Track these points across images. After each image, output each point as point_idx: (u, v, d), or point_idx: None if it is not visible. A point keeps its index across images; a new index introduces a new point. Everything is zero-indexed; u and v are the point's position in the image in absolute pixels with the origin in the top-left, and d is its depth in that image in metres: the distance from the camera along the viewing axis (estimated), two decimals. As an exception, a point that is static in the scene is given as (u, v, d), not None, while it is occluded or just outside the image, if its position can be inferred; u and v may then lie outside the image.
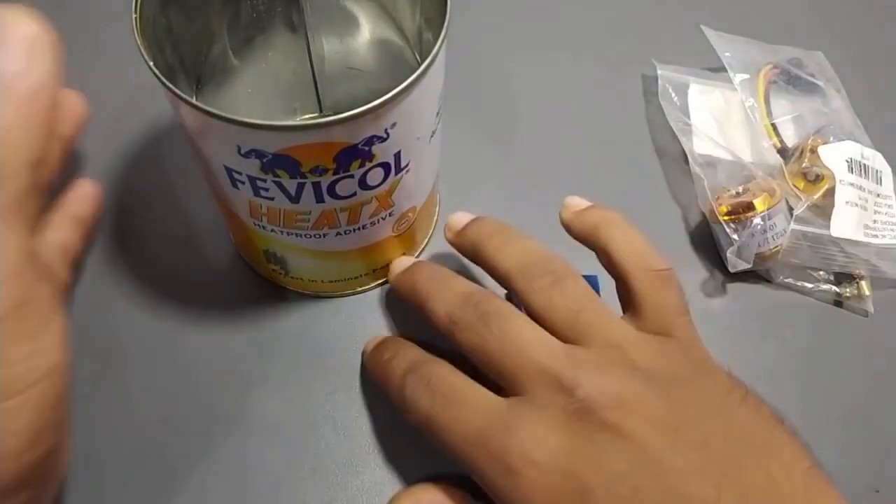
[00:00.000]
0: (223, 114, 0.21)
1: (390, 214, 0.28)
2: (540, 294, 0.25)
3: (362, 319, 0.32)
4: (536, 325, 0.25)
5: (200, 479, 0.28)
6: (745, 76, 0.37)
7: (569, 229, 0.28)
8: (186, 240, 0.34)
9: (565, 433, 0.22)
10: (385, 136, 0.23)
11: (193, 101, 0.21)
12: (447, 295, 0.26)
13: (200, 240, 0.34)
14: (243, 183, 0.24)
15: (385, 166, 0.24)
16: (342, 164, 0.23)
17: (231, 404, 0.30)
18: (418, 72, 0.22)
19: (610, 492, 0.21)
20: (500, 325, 0.24)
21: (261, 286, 0.32)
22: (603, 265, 0.27)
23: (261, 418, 0.29)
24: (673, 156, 0.37)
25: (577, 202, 0.28)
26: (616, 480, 0.21)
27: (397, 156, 0.24)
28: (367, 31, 0.30)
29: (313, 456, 0.29)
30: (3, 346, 0.17)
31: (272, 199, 0.24)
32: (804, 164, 0.34)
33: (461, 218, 0.29)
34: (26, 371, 0.18)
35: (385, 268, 0.31)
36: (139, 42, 0.22)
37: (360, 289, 0.32)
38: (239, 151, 0.22)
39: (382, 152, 0.23)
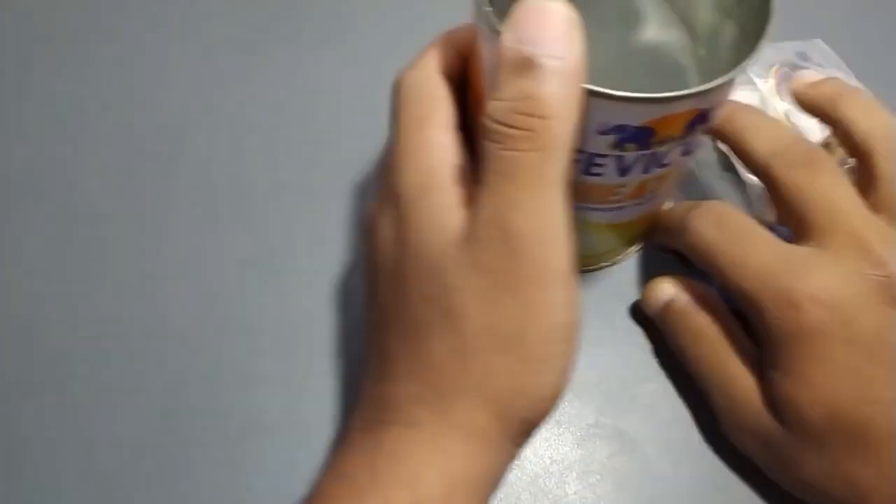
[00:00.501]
0: (612, 92, 0.20)
1: (678, 176, 0.27)
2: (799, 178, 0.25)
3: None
4: (855, 191, 0.25)
5: (200, 480, 0.28)
6: (764, 80, 0.36)
7: (800, 101, 0.28)
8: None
9: (860, 293, 0.23)
10: (725, 97, 0.23)
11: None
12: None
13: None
14: (578, 162, 0.24)
15: (706, 130, 0.24)
16: (688, 131, 0.23)
17: (231, 404, 0.30)
18: (766, 33, 0.22)
19: (876, 352, 0.22)
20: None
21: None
22: (839, 141, 0.26)
23: (260, 418, 0.29)
24: (708, 164, 0.36)
25: (810, 75, 0.28)
26: (887, 347, 0.22)
27: (713, 116, 0.24)
28: (644, 20, 0.29)
29: (313, 456, 0.29)
30: (572, 294, 0.20)
31: (599, 175, 0.24)
32: (839, 158, 0.33)
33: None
34: (576, 317, 0.21)
35: (647, 232, 0.31)
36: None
37: (617, 258, 0.32)
38: (598, 130, 0.22)
39: (714, 115, 0.24)
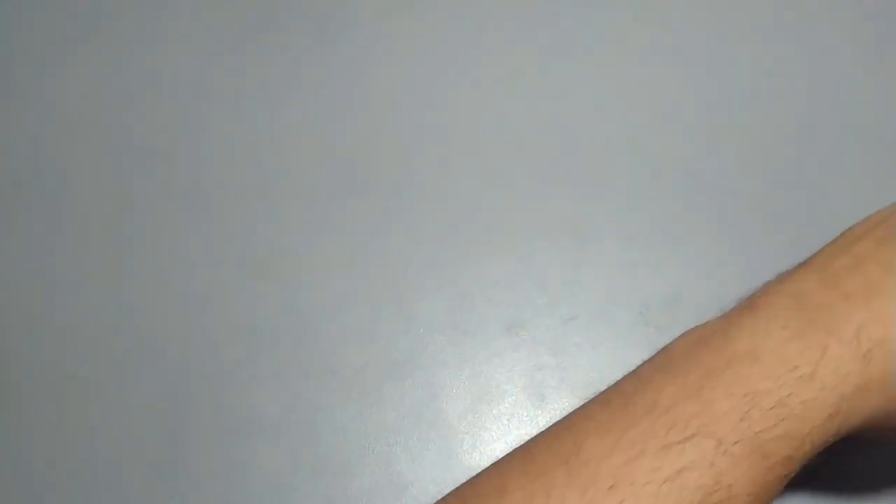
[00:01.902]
0: None
1: None
2: None
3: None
4: None
5: (200, 480, 0.28)
6: None
7: None
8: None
9: None
10: None
11: None
12: None
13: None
14: None
15: None
16: None
17: (231, 404, 0.30)
18: None
19: None
20: None
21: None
22: None
23: (260, 418, 0.29)
24: None
25: None
26: None
27: None
28: None
29: (313, 456, 0.29)
30: None
31: None
32: None
33: None
34: None
35: None
36: None
37: None
38: None
39: None
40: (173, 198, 0.35)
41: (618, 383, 0.23)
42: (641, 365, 0.24)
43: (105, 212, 0.34)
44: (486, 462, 0.28)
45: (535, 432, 0.29)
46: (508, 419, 0.30)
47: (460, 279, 0.32)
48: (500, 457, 0.29)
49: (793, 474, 0.21)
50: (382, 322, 0.32)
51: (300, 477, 0.28)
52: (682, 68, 0.39)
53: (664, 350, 0.24)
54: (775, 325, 0.22)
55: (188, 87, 0.38)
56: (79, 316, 0.31)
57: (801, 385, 0.20)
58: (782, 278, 0.24)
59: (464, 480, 0.28)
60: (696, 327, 0.24)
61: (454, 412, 0.30)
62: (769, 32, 0.40)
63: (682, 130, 0.37)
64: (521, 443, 0.29)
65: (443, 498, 0.23)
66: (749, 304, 0.23)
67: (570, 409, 0.29)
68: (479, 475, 0.23)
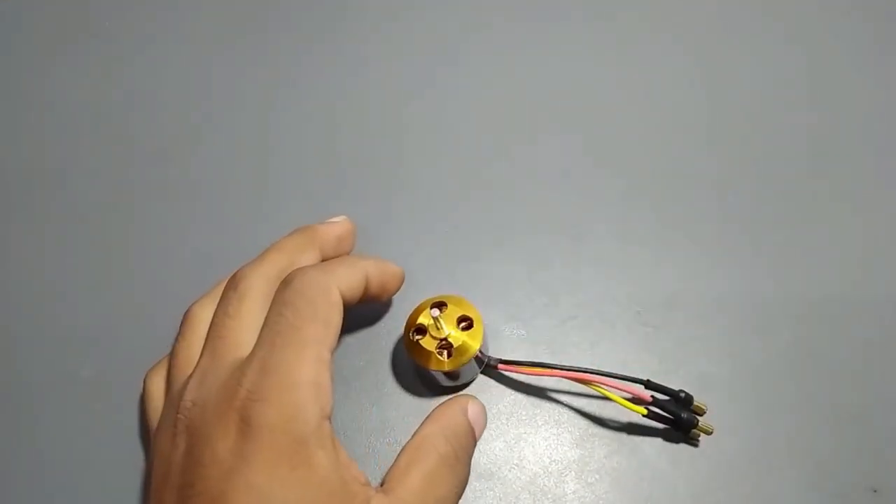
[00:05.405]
0: None
1: None
2: None
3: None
4: None
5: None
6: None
7: None
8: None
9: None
10: None
11: None
12: None
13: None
14: None
15: None
16: None
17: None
18: None
19: None
20: None
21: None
22: None
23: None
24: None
25: None
26: None
27: None
28: None
29: (313, 455, 0.29)
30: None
31: None
32: None
33: None
34: None
35: None
36: None
37: None
38: None
39: None
40: (174, 198, 0.35)
41: None
42: None
43: (107, 212, 0.34)
44: (485, 460, 0.29)
45: (532, 431, 0.30)
46: (507, 418, 0.30)
47: (459, 279, 0.33)
48: (498, 455, 0.29)
49: None
50: (382, 321, 0.32)
51: (301, 475, 0.28)
52: (681, 69, 0.39)
53: None
54: None
55: (187, 88, 0.38)
56: (79, 315, 0.32)
57: None
58: None
59: (463, 479, 0.28)
60: None
61: (453, 411, 0.30)
62: (769, 32, 0.40)
63: (681, 131, 0.37)
64: (520, 441, 0.29)
65: None
66: None
67: (568, 408, 0.30)
68: None
